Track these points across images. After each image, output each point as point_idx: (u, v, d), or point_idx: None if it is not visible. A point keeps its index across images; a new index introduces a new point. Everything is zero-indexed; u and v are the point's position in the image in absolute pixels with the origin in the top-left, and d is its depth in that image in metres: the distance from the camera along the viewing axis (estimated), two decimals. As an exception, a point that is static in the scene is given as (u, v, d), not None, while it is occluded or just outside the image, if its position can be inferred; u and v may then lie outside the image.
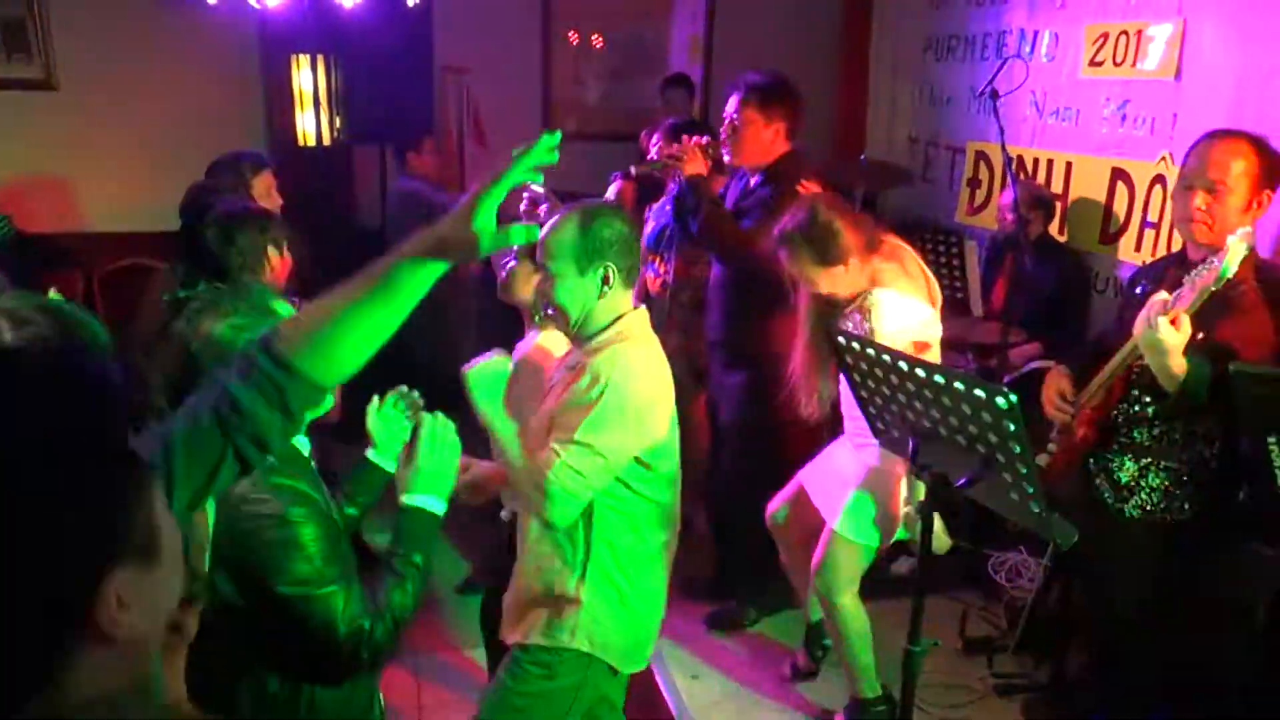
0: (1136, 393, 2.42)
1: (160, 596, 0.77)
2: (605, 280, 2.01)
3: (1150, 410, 2.41)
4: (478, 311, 4.52)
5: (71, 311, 0.76)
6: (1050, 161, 4.18)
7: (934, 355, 2.68)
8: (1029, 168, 4.27)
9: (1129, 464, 2.46)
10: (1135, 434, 2.45)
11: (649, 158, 3.69)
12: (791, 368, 2.86)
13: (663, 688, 3.22)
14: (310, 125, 5.14)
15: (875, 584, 2.91)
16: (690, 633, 3.49)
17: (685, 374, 3.70)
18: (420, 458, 1.73)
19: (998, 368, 3.71)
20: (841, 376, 2.51)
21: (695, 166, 3.26)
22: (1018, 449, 1.82)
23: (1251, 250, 2.09)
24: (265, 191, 3.26)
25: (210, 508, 1.33)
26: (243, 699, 1.60)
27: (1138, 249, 3.72)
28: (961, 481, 1.95)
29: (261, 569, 1.51)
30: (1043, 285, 3.75)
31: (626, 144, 4.76)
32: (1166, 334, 2.05)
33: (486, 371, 2.04)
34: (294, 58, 5.02)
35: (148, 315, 2.78)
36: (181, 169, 3.48)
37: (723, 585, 3.66)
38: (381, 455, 1.95)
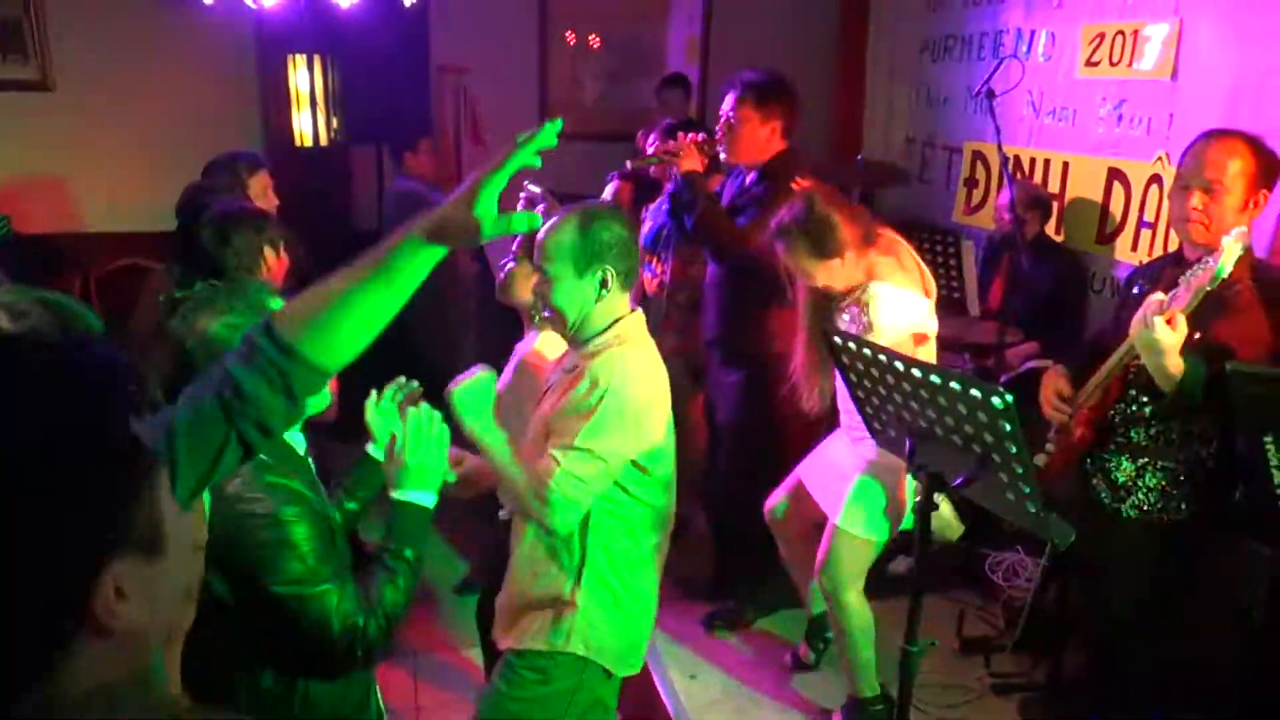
0: (1134, 393, 2.42)
1: (162, 588, 0.76)
2: (604, 283, 2.00)
3: (1147, 410, 2.41)
4: (477, 312, 4.52)
5: (69, 304, 0.75)
6: (1047, 161, 4.18)
7: (930, 347, 2.69)
8: (1026, 168, 4.27)
9: (1126, 464, 2.46)
10: (1132, 434, 2.45)
11: (645, 153, 3.70)
12: (793, 363, 2.87)
13: (660, 687, 3.22)
14: (307, 125, 5.14)
15: (872, 583, 2.91)
16: (688, 632, 3.49)
17: (682, 374, 3.71)
18: (407, 454, 1.74)
19: (994, 367, 3.71)
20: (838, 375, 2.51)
21: (691, 162, 3.26)
22: (1014, 449, 1.82)
23: (1248, 249, 2.10)
24: (261, 192, 3.26)
25: (206, 501, 1.33)
26: (238, 694, 1.60)
27: (1134, 249, 3.73)
28: (958, 481, 1.95)
29: (255, 568, 1.52)
30: (1039, 285, 3.75)
31: (624, 144, 4.75)
32: (1162, 334, 2.05)
33: (471, 389, 2.01)
34: (290, 58, 5.02)
35: (144, 315, 2.78)
36: (178, 169, 3.47)
37: (721, 585, 3.65)
38: (381, 450, 1.95)
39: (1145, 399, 2.40)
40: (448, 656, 3.39)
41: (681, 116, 4.78)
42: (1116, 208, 3.82)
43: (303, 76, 5.08)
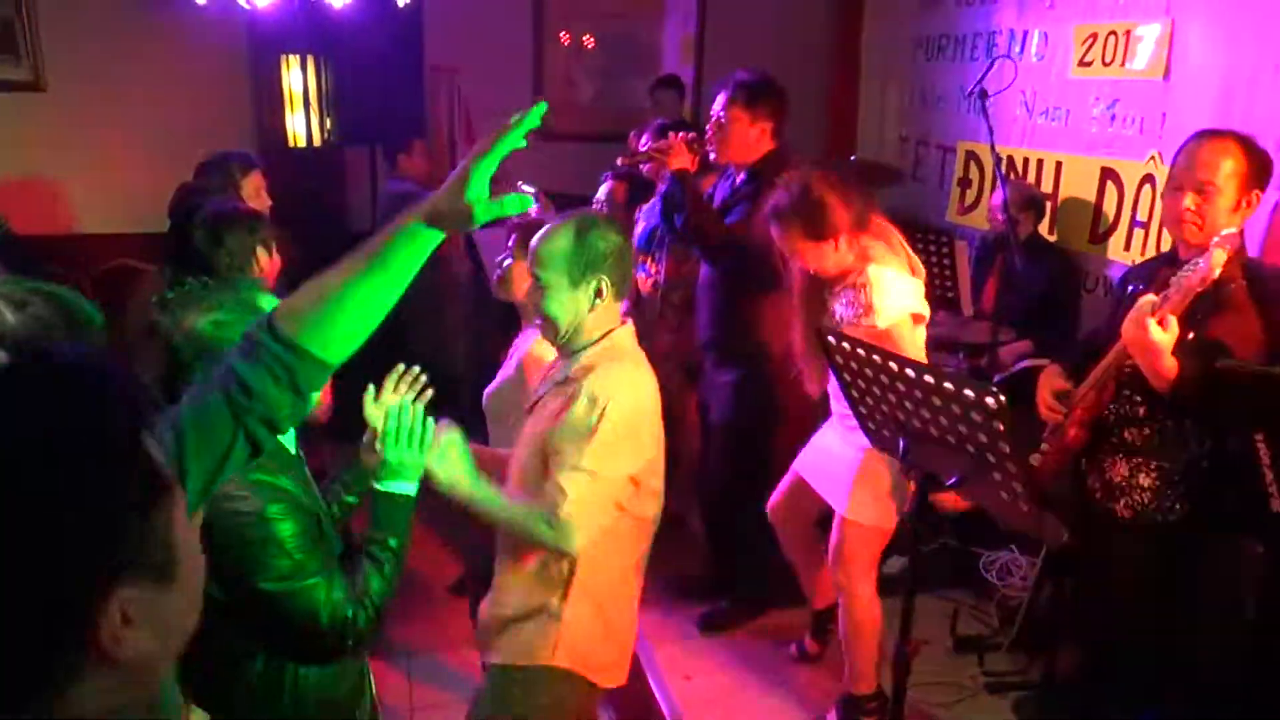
0: (1128, 393, 2.43)
1: (172, 617, 0.74)
2: (598, 293, 1.97)
3: (1141, 410, 2.41)
4: (474, 312, 4.52)
5: (67, 294, 0.75)
6: (1040, 161, 4.19)
7: (920, 333, 2.70)
8: (1019, 167, 4.28)
9: (1120, 464, 2.46)
10: (1126, 434, 2.45)
11: (636, 150, 3.71)
12: (793, 349, 2.88)
13: (655, 688, 3.22)
14: (300, 126, 5.12)
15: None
16: (683, 633, 3.49)
17: (676, 374, 3.71)
18: (386, 450, 1.76)
19: (988, 367, 3.72)
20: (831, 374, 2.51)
21: (681, 160, 3.27)
22: (1007, 449, 1.82)
23: (1240, 248, 2.10)
24: (254, 192, 3.25)
25: None
26: (233, 685, 1.61)
27: (1127, 248, 3.74)
28: (951, 481, 1.96)
29: (243, 566, 1.52)
30: (1033, 285, 3.76)
31: (618, 145, 4.75)
32: (1155, 335, 2.06)
33: (443, 454, 1.92)
34: (284, 58, 5.01)
35: (136, 316, 2.77)
36: (171, 170, 3.47)
37: (716, 585, 3.66)
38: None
39: (1139, 399, 2.40)
40: (443, 657, 3.38)
41: (675, 117, 4.77)
42: (1109, 207, 3.83)
43: (296, 77, 5.06)
